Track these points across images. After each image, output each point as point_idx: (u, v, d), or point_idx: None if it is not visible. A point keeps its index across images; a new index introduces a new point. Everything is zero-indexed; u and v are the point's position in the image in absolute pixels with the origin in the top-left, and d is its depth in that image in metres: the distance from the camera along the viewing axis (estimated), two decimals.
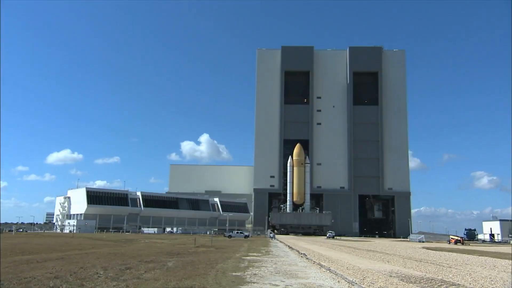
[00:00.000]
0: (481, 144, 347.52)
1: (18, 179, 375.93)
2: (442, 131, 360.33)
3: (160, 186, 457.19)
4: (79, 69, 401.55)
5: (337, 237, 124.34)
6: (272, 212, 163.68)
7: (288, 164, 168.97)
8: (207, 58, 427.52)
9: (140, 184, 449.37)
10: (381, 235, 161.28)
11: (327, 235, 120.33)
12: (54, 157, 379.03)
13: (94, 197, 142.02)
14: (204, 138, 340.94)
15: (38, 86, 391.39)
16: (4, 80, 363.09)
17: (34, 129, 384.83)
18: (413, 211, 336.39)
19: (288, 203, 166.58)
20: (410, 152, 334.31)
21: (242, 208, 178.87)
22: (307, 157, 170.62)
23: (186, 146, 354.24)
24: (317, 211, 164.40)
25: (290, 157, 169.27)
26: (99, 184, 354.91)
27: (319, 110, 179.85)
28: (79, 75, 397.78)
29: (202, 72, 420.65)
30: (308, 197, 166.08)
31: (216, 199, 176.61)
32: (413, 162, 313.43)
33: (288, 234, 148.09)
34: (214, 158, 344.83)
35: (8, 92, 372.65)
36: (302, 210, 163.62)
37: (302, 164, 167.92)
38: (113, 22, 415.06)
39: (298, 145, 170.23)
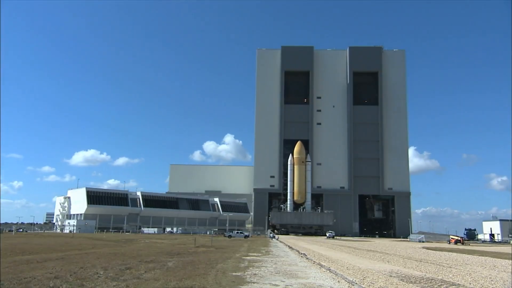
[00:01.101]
0: (489, 145, 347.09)
1: (37, 179, 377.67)
2: (462, 130, 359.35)
3: None
4: (102, 79, 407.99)
5: (337, 237, 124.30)
6: (273, 212, 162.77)
7: (289, 162, 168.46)
8: (206, 58, 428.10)
9: (153, 184, 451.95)
10: (381, 235, 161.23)
11: (327, 235, 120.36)
12: (81, 156, 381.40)
13: (94, 197, 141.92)
14: (229, 139, 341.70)
15: (73, 93, 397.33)
16: (36, 82, 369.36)
17: (66, 132, 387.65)
18: (419, 210, 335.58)
19: (288, 202, 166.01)
20: (428, 154, 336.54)
21: (242, 208, 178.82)
22: (308, 155, 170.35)
23: (209, 146, 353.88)
24: (319, 210, 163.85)
25: (290, 155, 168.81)
26: (111, 184, 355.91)
27: (319, 110, 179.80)
28: (102, 85, 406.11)
29: (201, 72, 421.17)
30: (309, 196, 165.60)
31: (216, 199, 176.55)
32: (432, 163, 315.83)
33: (288, 234, 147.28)
34: (240, 159, 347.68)
35: (45, 95, 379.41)
36: (303, 210, 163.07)
37: (303, 162, 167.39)
38: (113, 24, 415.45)
39: (299, 143, 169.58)
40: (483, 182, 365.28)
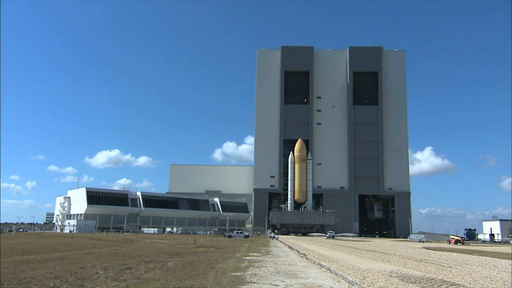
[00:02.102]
0: (505, 145, 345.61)
1: (54, 179, 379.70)
2: (474, 130, 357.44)
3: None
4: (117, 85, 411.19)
5: (337, 237, 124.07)
6: (273, 211, 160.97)
7: (289, 161, 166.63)
8: (206, 58, 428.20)
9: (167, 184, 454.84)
10: (381, 235, 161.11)
11: (327, 234, 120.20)
12: (105, 156, 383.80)
13: (94, 197, 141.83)
14: (251, 139, 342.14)
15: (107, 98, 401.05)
16: (70, 83, 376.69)
17: (91, 133, 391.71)
18: (423, 210, 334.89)
19: (289, 201, 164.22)
20: (444, 155, 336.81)
21: (242, 208, 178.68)
22: (309, 153, 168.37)
23: (228, 147, 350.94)
24: (320, 209, 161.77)
25: (291, 153, 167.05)
26: (125, 183, 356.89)
27: (319, 110, 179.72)
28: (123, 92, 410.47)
29: (201, 72, 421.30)
30: (310, 195, 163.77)
31: (216, 199, 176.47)
32: (449, 164, 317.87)
33: (288, 234, 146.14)
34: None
35: (83, 100, 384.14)
36: (304, 209, 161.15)
37: (304, 160, 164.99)
38: (113, 24, 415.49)
39: (299, 141, 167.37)
40: (495, 183, 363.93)
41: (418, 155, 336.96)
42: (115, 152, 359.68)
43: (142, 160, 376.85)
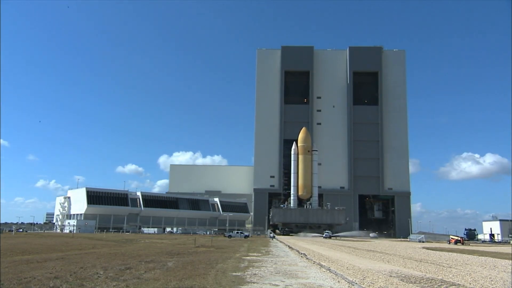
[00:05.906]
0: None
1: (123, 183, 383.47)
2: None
3: None
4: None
5: (337, 238, 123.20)
6: (273, 209, 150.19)
7: (292, 152, 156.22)
8: (206, 58, 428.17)
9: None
10: (381, 235, 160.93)
11: (324, 234, 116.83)
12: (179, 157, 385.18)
13: (94, 197, 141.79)
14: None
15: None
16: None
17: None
18: (442, 210, 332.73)
19: (292, 197, 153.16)
20: (503, 157, 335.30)
21: (242, 208, 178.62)
22: (313, 144, 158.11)
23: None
24: (328, 206, 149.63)
25: (294, 143, 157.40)
26: (162, 183, 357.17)
27: (319, 110, 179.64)
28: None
29: (202, 72, 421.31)
30: (316, 190, 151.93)
31: (216, 199, 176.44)
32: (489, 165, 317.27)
33: (288, 235, 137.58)
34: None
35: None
36: (309, 206, 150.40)
37: (308, 151, 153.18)
38: (115, 24, 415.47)
39: (304, 129, 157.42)
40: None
41: (475, 157, 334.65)
42: (188, 155, 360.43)
43: (208, 160, 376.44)
